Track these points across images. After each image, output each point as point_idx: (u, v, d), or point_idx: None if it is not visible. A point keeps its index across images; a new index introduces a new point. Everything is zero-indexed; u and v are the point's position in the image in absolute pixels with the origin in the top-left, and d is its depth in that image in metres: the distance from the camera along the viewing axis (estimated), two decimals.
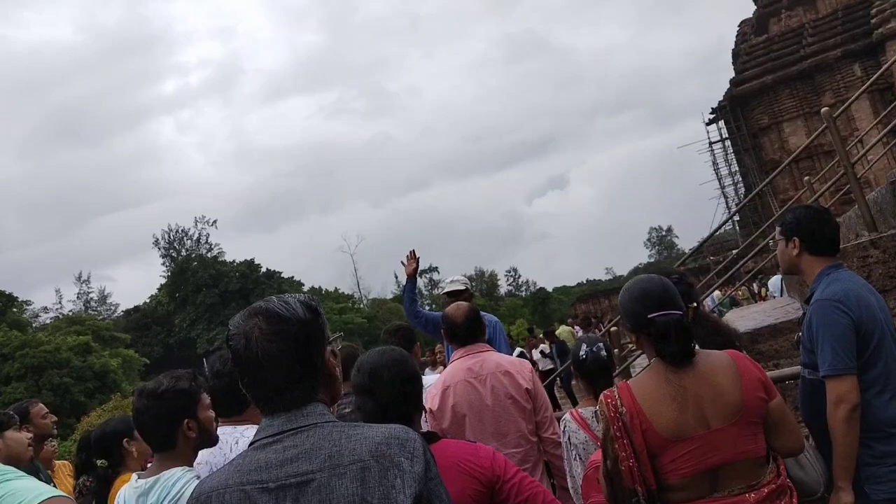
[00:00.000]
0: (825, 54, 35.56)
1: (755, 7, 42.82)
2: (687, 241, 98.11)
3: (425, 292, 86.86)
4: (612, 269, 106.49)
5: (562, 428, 2.78)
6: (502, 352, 4.49)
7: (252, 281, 57.16)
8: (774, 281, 13.58)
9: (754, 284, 18.20)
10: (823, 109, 4.48)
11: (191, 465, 2.18)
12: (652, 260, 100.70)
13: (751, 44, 40.19)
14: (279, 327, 1.27)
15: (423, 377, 3.60)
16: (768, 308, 6.24)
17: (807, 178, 8.69)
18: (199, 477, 2.07)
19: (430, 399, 2.90)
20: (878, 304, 2.39)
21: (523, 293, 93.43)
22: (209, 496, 1.26)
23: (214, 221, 66.42)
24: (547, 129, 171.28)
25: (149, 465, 2.36)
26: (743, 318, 5.77)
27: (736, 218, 45.26)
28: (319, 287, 63.00)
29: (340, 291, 64.06)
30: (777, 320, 4.59)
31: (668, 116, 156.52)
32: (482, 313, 4.32)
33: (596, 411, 2.68)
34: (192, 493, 1.32)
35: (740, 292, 17.98)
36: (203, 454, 2.34)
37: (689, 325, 1.95)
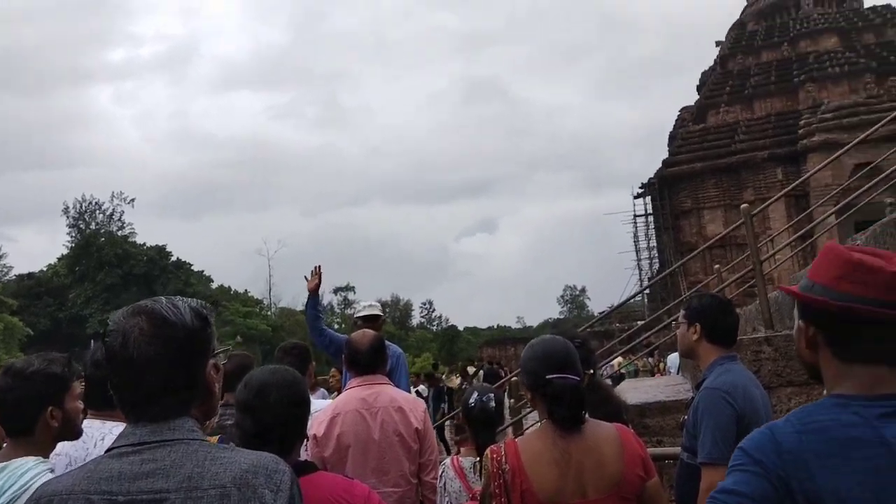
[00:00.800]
0: (753, 153, 37.80)
1: (698, 96, 45.23)
2: (598, 304, 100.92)
3: (338, 310, 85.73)
4: (523, 319, 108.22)
5: (440, 473, 2.76)
6: (402, 385, 4.45)
7: (160, 268, 54.97)
8: (673, 357, 14.19)
9: (650, 358, 18.83)
10: (743, 206, 4.72)
11: (47, 455, 2.03)
12: (562, 316, 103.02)
13: (688, 130, 42.30)
14: (162, 331, 1.19)
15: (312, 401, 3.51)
16: (661, 384, 6.44)
17: (717, 265, 9.11)
18: (52, 470, 1.92)
19: (316, 424, 2.81)
20: (762, 401, 2.50)
21: (435, 327, 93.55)
22: (50, 499, 1.16)
23: (132, 200, 63.71)
24: (488, 173, 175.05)
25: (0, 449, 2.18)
26: (636, 390, 5.93)
27: (646, 291, 46.99)
28: (229, 287, 61.26)
29: (250, 295, 62.37)
30: (667, 398, 4.73)
31: (602, 183, 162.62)
32: (387, 343, 4.30)
33: (475, 462, 2.68)
34: (34, 493, 1.21)
35: (640, 363, 18.57)
36: (64, 446, 2.18)
37: (583, 392, 1.97)
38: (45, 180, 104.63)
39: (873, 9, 42.19)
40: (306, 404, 1.84)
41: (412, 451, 2.86)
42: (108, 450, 1.20)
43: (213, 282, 60.34)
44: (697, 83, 47.05)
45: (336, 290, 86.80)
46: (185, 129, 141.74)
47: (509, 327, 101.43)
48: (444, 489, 2.68)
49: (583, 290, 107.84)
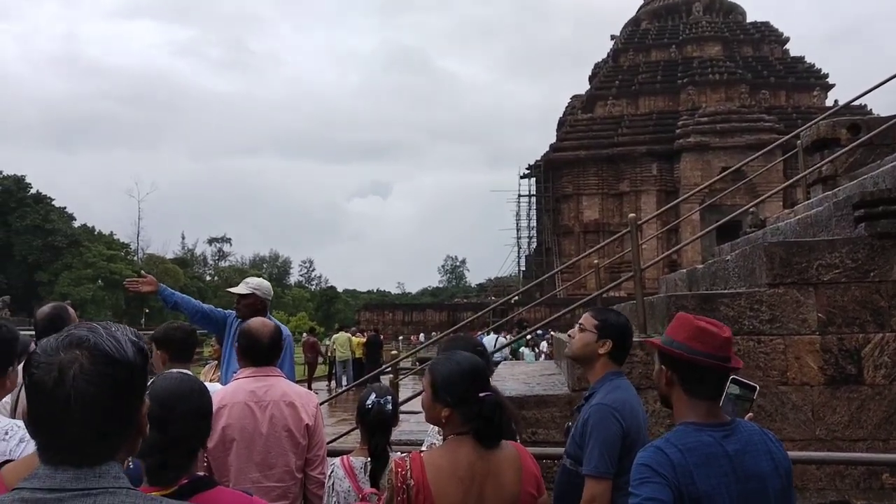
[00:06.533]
0: (633, 147, 39.70)
1: (588, 86, 46.71)
2: (475, 276, 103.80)
3: (211, 261, 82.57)
4: (404, 285, 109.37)
5: (329, 472, 2.73)
6: (286, 366, 4.34)
7: (16, 200, 50.51)
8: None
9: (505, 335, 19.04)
10: (630, 216, 4.95)
11: None
12: (442, 286, 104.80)
13: (576, 118, 43.74)
14: (105, 370, 1.07)
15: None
16: (536, 373, 6.71)
17: (597, 261, 9.57)
18: None
19: None
20: (643, 417, 2.67)
21: (313, 287, 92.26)
22: None
23: None
24: (389, 137, 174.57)
25: None
26: (514, 378, 6.14)
27: (522, 268, 48.54)
28: (93, 227, 57.28)
29: (116, 237, 58.66)
30: (545, 391, 4.93)
31: (497, 160, 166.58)
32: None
33: (366, 462, 2.68)
34: None
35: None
36: None
37: (504, 410, 2.04)
38: None
39: (754, 24, 45.10)
40: (211, 415, 1.78)
41: (300, 447, 2.83)
42: (18, 488, 1.06)
43: (75, 220, 56.23)
44: (590, 73, 48.56)
45: (211, 241, 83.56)
46: (72, 53, 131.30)
47: (389, 292, 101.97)
48: (333, 489, 2.65)
49: (463, 262, 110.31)
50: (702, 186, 7.76)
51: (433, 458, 1.97)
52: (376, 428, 2.69)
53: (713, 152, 37.21)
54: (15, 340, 2.22)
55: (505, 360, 12.22)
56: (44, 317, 3.15)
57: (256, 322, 2.97)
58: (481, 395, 1.97)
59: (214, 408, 2.74)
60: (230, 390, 2.84)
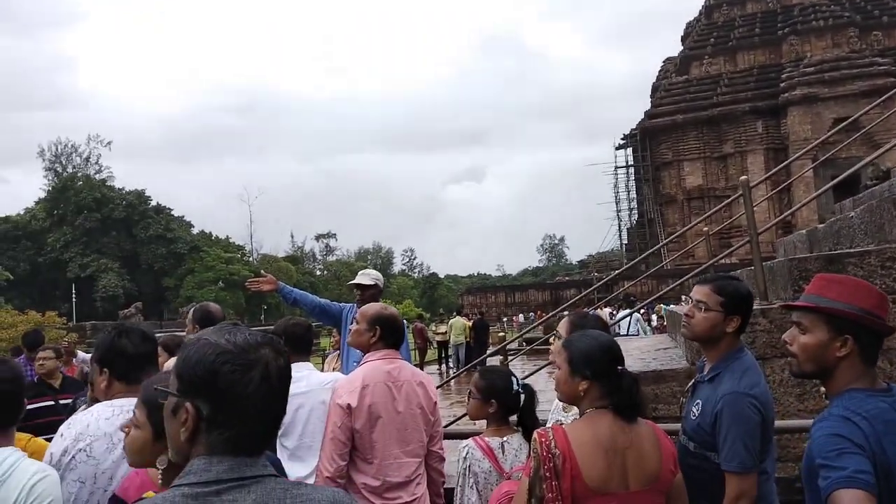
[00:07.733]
0: (734, 106, 37.81)
1: (682, 48, 44.80)
2: (576, 253, 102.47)
3: (319, 257, 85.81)
4: (503, 267, 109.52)
5: (463, 455, 2.74)
6: (404, 349, 4.57)
7: (139, 213, 54.30)
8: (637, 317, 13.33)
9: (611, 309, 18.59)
10: (742, 178, 4.81)
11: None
12: (541, 265, 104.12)
13: (671, 81, 42.08)
14: (287, 363, 1.19)
15: (325, 374, 3.61)
16: (650, 348, 6.62)
17: (706, 228, 9.29)
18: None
19: (346, 395, 2.88)
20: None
21: (416, 275, 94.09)
22: None
23: (109, 143, 62.85)
24: (481, 121, 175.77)
25: None
26: (628, 355, 6.10)
27: (625, 241, 47.43)
28: (210, 232, 60.78)
29: (231, 240, 62.00)
30: (662, 366, 4.89)
31: (590, 133, 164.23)
32: None
33: (504, 441, 2.75)
34: None
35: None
36: (98, 424, 2.13)
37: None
38: (28, 121, 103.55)
39: None
40: None
41: (430, 423, 3.02)
42: (177, 485, 1.11)
43: (193, 227, 59.91)
44: (682, 34, 46.57)
45: (318, 237, 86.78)
46: (185, 72, 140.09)
47: (489, 275, 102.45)
48: (470, 470, 2.68)
49: (562, 240, 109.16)
50: (816, 142, 7.35)
51: (575, 430, 2.01)
52: (529, 409, 2.80)
53: (823, 103, 34.90)
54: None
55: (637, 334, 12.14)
56: (222, 316, 3.74)
57: (394, 311, 3.18)
58: (620, 368, 2.02)
59: (357, 387, 2.92)
60: (369, 371, 2.97)
